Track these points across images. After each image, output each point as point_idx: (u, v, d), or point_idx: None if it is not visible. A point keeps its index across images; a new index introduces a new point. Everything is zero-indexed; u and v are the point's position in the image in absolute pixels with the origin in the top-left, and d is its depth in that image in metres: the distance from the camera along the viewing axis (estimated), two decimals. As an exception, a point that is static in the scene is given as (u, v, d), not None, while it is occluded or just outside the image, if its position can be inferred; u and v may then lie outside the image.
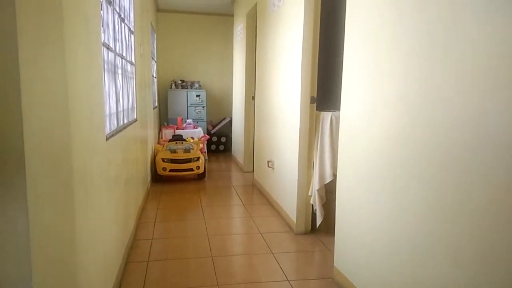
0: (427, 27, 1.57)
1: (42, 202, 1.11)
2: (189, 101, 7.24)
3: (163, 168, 4.92)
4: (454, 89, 1.43)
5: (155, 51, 6.85)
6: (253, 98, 5.37)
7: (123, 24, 3.15)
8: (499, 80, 1.23)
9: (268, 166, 4.13)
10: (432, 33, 1.54)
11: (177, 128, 6.43)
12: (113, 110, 2.61)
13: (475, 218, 1.33)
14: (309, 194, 3.23)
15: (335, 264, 2.49)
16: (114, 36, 2.70)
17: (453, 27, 1.43)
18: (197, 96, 7.26)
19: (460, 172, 1.40)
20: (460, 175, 1.40)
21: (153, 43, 6.38)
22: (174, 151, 5.07)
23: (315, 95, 3.17)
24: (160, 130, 6.74)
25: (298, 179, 3.24)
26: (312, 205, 3.20)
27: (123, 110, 3.05)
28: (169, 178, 5.17)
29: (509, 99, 1.20)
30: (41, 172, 1.11)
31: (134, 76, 3.72)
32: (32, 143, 1.03)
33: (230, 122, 7.21)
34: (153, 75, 6.15)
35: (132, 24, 3.66)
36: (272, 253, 2.88)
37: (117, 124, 2.74)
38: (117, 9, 2.88)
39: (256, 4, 4.79)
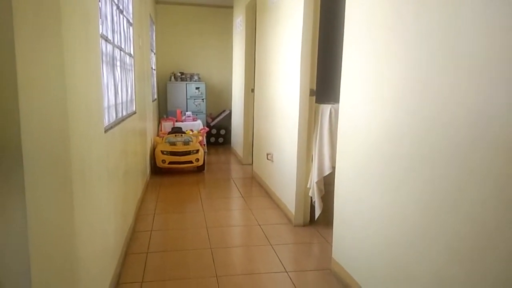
0: (426, 21, 1.56)
1: (40, 196, 1.11)
2: (189, 93, 7.22)
3: (162, 161, 4.93)
4: (451, 86, 1.42)
5: (154, 43, 6.81)
6: (253, 90, 5.35)
7: (121, 16, 3.13)
8: (497, 78, 1.23)
9: (267, 159, 4.14)
10: (430, 27, 1.54)
11: (176, 121, 6.42)
12: (112, 102, 2.61)
13: (471, 214, 1.34)
14: (308, 186, 3.24)
15: (333, 256, 2.50)
16: (112, 28, 2.69)
17: (451, 23, 1.42)
18: (197, 88, 7.24)
19: (457, 168, 1.40)
20: (457, 171, 1.40)
21: (152, 35, 6.34)
22: (173, 144, 5.07)
23: (315, 88, 3.16)
24: (159, 123, 6.73)
25: (297, 172, 3.25)
26: (311, 197, 3.21)
27: (121, 103, 3.04)
28: (168, 171, 5.18)
29: (507, 97, 1.19)
30: (39, 165, 1.11)
31: (132, 68, 3.71)
32: (30, 137, 1.03)
33: (230, 114, 7.20)
34: (152, 67, 6.13)
35: (131, 15, 3.64)
36: (271, 244, 2.90)
37: (116, 117, 2.74)
38: (116, 0, 2.86)
39: (255, -4, 4.75)
